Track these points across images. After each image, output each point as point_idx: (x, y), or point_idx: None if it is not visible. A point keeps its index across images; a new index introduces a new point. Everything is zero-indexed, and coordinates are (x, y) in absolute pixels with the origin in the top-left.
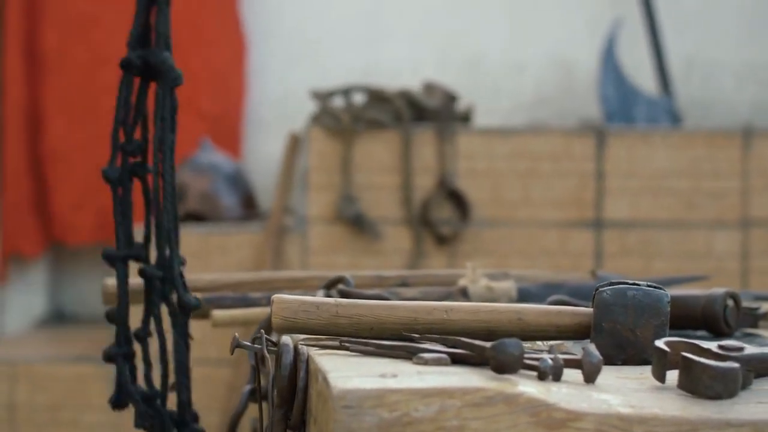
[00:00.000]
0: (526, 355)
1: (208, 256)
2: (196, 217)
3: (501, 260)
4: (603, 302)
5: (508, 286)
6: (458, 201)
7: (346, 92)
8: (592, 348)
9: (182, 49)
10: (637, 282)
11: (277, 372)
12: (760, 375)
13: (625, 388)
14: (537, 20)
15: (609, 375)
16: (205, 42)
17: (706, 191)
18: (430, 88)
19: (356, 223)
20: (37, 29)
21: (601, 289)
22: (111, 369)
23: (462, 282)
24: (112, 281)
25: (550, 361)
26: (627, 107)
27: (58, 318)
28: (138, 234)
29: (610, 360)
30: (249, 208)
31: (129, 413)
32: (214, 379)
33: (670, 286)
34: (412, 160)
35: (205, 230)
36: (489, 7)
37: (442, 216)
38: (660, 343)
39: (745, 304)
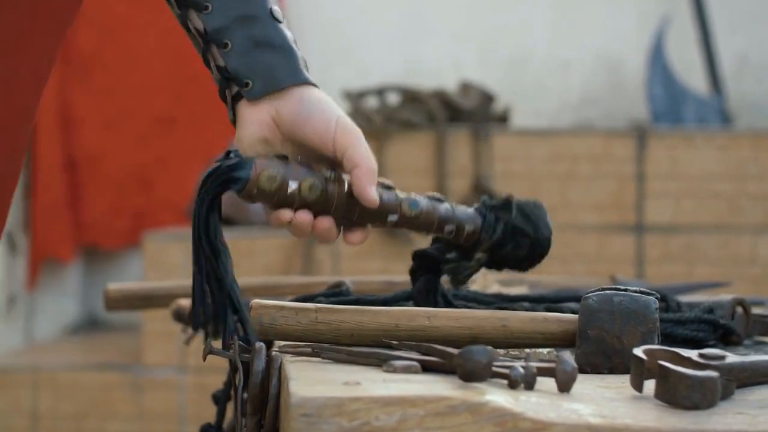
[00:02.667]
0: (497, 363)
1: (236, 260)
2: (225, 221)
3: (538, 265)
4: (588, 308)
5: (521, 292)
6: None
7: (380, 92)
8: (567, 356)
9: None
10: (625, 287)
11: (250, 379)
12: (744, 385)
13: (600, 398)
14: (583, 17)
15: (589, 384)
16: None
17: (752, 194)
18: (466, 88)
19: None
20: (70, 31)
21: (586, 295)
22: (135, 376)
23: (473, 287)
24: (114, 286)
25: (521, 370)
26: (675, 107)
27: (90, 324)
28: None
29: (596, 368)
30: None
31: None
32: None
33: (686, 294)
34: (446, 163)
35: (233, 234)
36: (533, 3)
37: None
38: (638, 351)
39: (758, 311)
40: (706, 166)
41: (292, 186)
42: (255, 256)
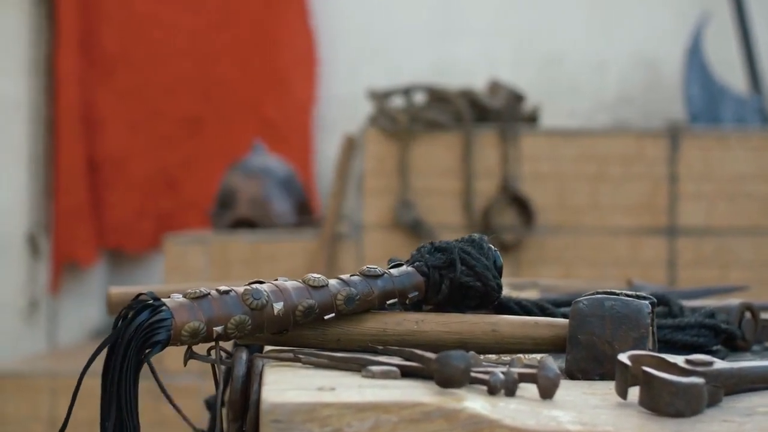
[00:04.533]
0: (476, 369)
1: (258, 265)
2: (247, 224)
3: (567, 269)
4: (579, 313)
5: (531, 296)
6: (522, 206)
7: (407, 92)
8: (550, 362)
9: (245, 50)
10: (616, 291)
11: (231, 385)
12: (734, 392)
13: (584, 405)
14: (619, 15)
15: (575, 391)
16: (271, 41)
17: None
18: (494, 87)
19: (414, 229)
20: (95, 29)
21: (577, 299)
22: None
23: None
24: (116, 290)
25: (501, 376)
26: (714, 107)
27: None
28: None
29: (586, 375)
30: (304, 214)
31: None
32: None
33: (702, 298)
34: (473, 163)
35: (255, 237)
36: (568, 0)
37: (505, 222)
38: (623, 357)
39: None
40: (741, 167)
41: (218, 330)
42: (278, 260)
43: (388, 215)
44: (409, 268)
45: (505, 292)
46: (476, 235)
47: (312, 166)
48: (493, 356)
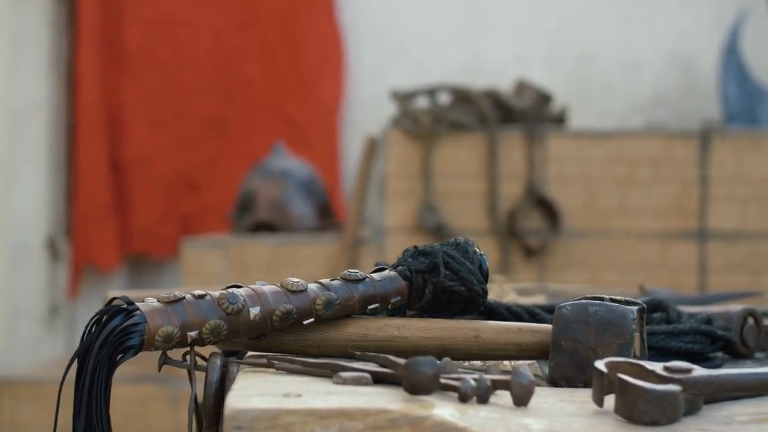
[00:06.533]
0: (447, 376)
1: (277, 269)
2: (266, 227)
3: (594, 274)
4: (562, 319)
5: (537, 302)
6: (548, 210)
7: (431, 92)
8: (524, 369)
9: (270, 49)
10: (603, 296)
11: (204, 391)
12: (715, 400)
13: (558, 412)
14: (654, 12)
15: (553, 398)
16: (296, 41)
17: None
18: (521, 87)
19: (437, 233)
20: (117, 27)
21: (561, 305)
22: (173, 390)
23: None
24: (116, 294)
25: (472, 382)
26: (750, 107)
27: None
28: None
29: (570, 382)
30: (326, 217)
31: None
32: None
33: (713, 304)
34: (498, 166)
35: (275, 241)
36: None
37: (531, 226)
38: (599, 364)
39: None
40: None
41: (192, 334)
42: (299, 264)
43: (411, 219)
44: (392, 273)
45: (512, 297)
46: (461, 239)
47: (338, 169)
48: (477, 363)
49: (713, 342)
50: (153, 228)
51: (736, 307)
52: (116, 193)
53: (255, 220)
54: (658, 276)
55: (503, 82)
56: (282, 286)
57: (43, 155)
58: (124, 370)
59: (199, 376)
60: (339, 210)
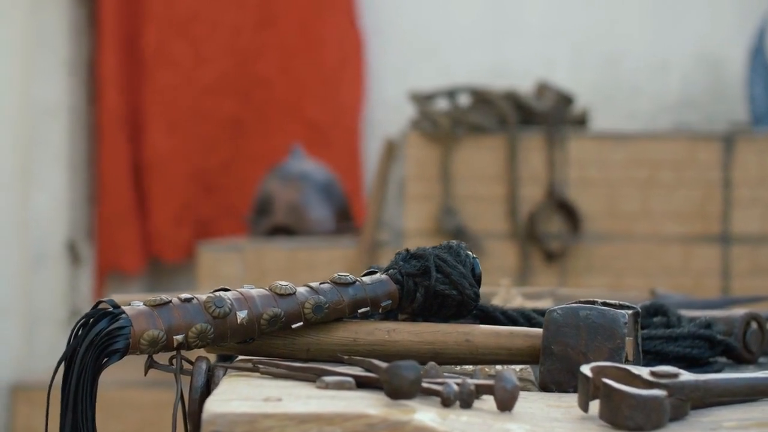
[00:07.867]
0: (430, 380)
1: (295, 273)
2: (284, 231)
3: (616, 279)
4: (553, 323)
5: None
6: (569, 213)
7: (451, 94)
8: (509, 373)
9: (289, 49)
10: (596, 300)
11: (189, 395)
12: (703, 405)
13: (542, 417)
14: (681, 14)
15: (540, 403)
16: (316, 41)
17: None
18: (542, 88)
19: (457, 237)
20: (137, 27)
21: (551, 309)
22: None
23: (494, 302)
24: (118, 297)
25: (454, 387)
26: None
27: None
28: None
29: (561, 387)
30: (344, 220)
31: None
32: None
33: (724, 308)
34: (518, 168)
35: (293, 245)
36: None
37: (551, 230)
38: (584, 368)
39: None
40: None
41: (178, 338)
42: (315, 268)
43: (430, 222)
44: (383, 276)
45: (519, 302)
46: (454, 242)
47: (359, 172)
48: (469, 367)
49: (712, 346)
50: (168, 232)
51: (739, 311)
52: (137, 195)
53: (272, 223)
54: (681, 280)
55: (528, 85)
56: (270, 290)
57: (63, 158)
58: (137, 375)
59: (186, 380)
60: (360, 213)
